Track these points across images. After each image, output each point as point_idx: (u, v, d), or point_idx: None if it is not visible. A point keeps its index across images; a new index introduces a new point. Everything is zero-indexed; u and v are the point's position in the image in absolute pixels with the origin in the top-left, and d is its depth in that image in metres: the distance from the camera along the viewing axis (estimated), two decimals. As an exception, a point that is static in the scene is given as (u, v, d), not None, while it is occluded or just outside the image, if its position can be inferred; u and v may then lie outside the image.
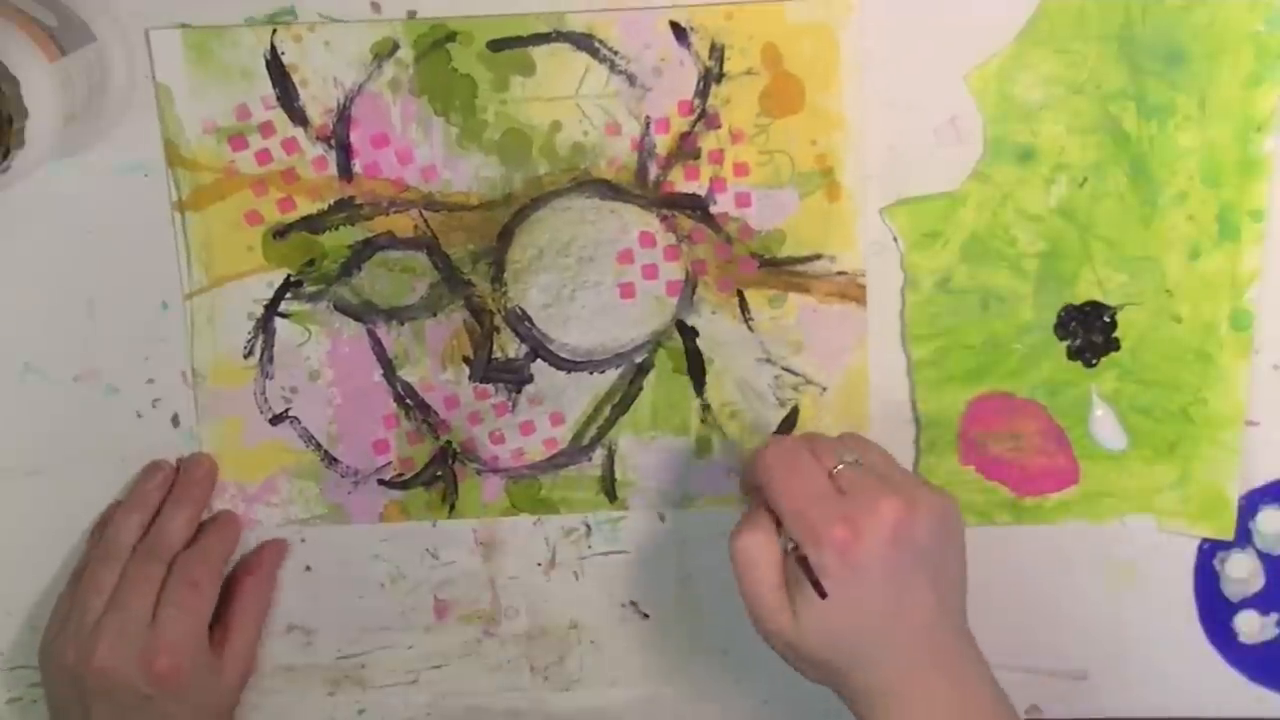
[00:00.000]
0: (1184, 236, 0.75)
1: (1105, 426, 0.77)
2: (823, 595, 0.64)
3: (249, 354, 0.77)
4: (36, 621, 0.79)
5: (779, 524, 0.67)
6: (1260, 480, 0.78)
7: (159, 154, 0.74)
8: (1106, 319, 0.76)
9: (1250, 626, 0.80)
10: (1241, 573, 0.79)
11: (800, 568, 0.65)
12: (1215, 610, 0.79)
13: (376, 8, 0.73)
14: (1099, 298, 0.76)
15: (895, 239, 0.76)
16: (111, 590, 0.74)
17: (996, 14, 0.73)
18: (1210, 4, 0.72)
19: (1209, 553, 0.79)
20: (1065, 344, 0.77)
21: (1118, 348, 0.76)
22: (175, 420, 0.78)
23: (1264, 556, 0.79)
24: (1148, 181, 0.74)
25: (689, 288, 0.77)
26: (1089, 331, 0.76)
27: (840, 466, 0.67)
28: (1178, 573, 0.79)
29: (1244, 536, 0.78)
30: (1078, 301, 0.76)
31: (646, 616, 0.81)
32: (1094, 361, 0.77)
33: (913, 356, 0.77)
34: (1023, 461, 0.78)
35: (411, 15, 0.73)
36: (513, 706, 0.81)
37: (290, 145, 0.75)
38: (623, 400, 0.78)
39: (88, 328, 0.77)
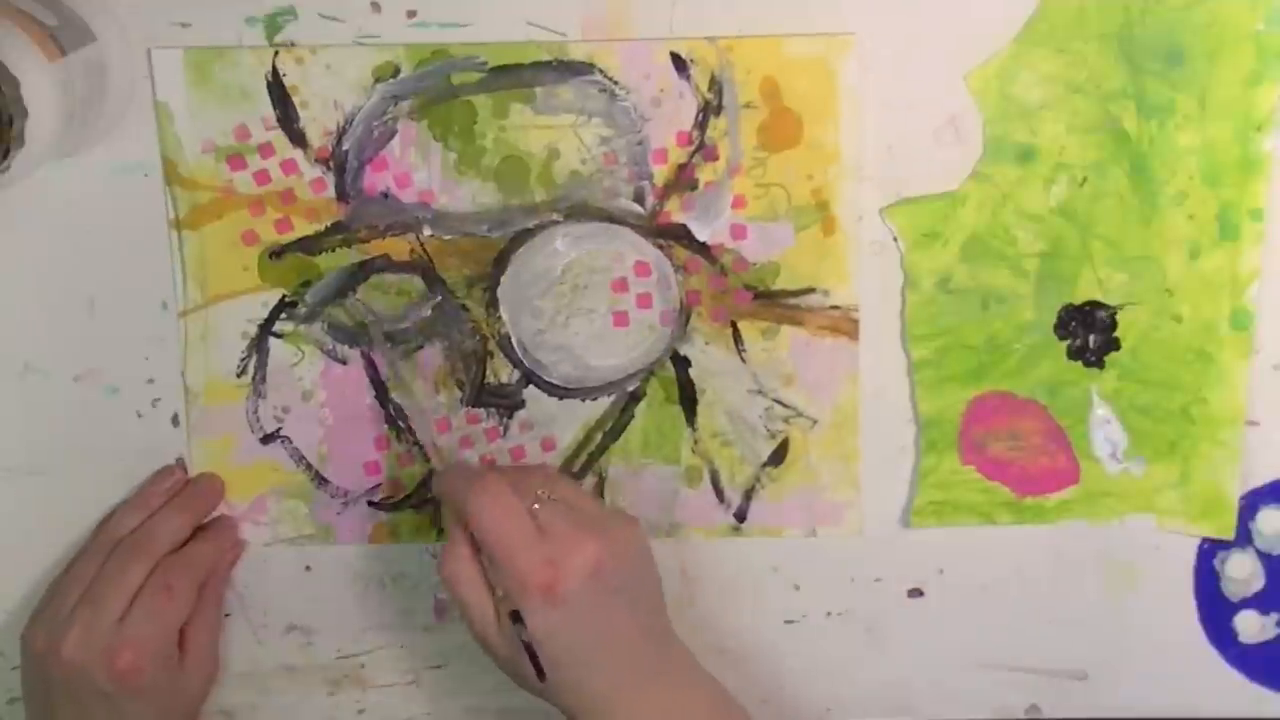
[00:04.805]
0: (1184, 236, 0.75)
1: (1105, 426, 0.77)
2: (540, 674, 0.68)
3: (242, 373, 0.77)
4: (37, 621, 0.80)
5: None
6: (1260, 480, 0.78)
7: (157, 157, 0.75)
8: (1106, 319, 0.76)
9: (1250, 626, 0.80)
10: (1241, 573, 0.79)
11: (511, 624, 0.68)
12: (1215, 610, 0.79)
13: (376, 7, 0.73)
14: (1099, 298, 0.76)
15: (895, 239, 0.76)
16: (89, 582, 0.75)
17: (996, 14, 0.73)
18: (1210, 4, 0.72)
19: (1209, 553, 0.79)
20: (1065, 344, 0.77)
21: (1118, 348, 0.76)
22: (175, 420, 0.78)
23: (1264, 556, 0.79)
24: (1148, 181, 0.74)
25: (683, 318, 0.77)
26: (1089, 331, 0.76)
27: (537, 505, 0.69)
28: (1178, 573, 0.79)
29: (1244, 536, 0.78)
30: (1078, 301, 0.76)
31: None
32: (1094, 361, 0.77)
33: (913, 356, 0.77)
34: (1023, 461, 0.78)
35: (411, 15, 0.73)
36: (513, 706, 0.81)
37: (289, 166, 0.75)
38: (614, 428, 0.78)
39: (88, 328, 0.77)
